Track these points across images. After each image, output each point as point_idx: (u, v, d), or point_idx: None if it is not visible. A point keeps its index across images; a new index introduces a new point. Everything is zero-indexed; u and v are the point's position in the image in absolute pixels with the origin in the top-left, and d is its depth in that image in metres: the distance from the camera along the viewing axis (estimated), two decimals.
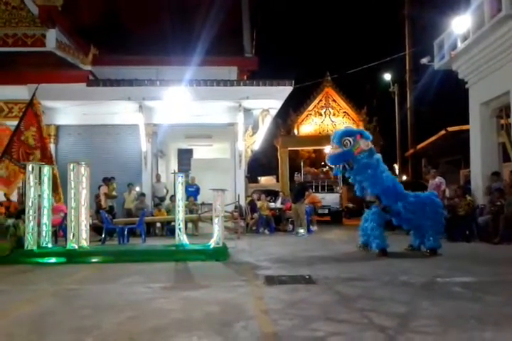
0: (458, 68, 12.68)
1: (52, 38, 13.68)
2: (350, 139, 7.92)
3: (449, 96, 19.92)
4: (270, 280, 5.74)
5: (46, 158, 10.37)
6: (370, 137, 8.29)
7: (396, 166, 28.70)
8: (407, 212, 7.98)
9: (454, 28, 12.50)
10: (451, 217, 9.84)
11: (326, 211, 16.77)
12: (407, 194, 8.23)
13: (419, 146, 22.04)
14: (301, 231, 12.22)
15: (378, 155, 8.32)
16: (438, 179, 11.67)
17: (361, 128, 21.38)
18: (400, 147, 26.05)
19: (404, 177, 25.11)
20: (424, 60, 15.24)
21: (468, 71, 12.32)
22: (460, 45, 12.13)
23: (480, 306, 4.43)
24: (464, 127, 14.25)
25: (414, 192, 8.49)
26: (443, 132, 17.46)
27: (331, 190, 18.43)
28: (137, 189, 13.54)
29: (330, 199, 16.99)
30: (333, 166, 8.48)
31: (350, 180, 8.66)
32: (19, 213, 8.30)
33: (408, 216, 8.04)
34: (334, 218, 17.17)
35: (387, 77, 26.98)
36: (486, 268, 6.68)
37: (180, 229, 8.12)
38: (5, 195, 11.13)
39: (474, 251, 8.63)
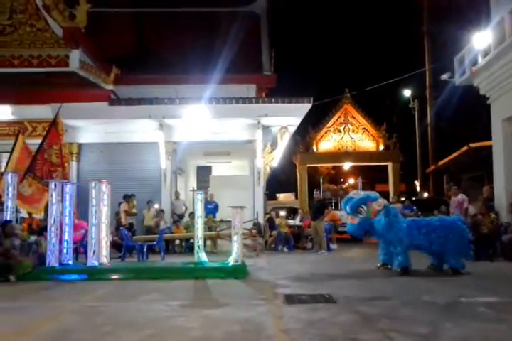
0: (479, 84, 12.59)
1: (75, 58, 14.02)
2: (364, 206, 8.25)
3: (471, 112, 19.74)
4: (290, 299, 5.69)
5: (64, 177, 10.55)
6: (378, 197, 8.50)
7: (417, 183, 28.42)
8: (435, 243, 7.94)
9: (474, 43, 12.45)
10: (475, 236, 9.66)
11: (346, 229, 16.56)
12: (430, 222, 8.20)
13: (441, 162, 21.78)
14: (322, 250, 12.12)
15: (395, 209, 8.48)
16: (460, 196, 11.49)
17: (380, 145, 21.33)
18: (420, 163, 25.82)
19: (426, 194, 24.79)
20: (444, 76, 15.17)
21: (489, 87, 12.22)
22: (481, 61, 12.06)
23: (505, 327, 4.32)
24: (487, 143, 14.06)
25: (439, 216, 8.45)
26: (465, 148, 17.24)
27: None
28: (156, 206, 13.62)
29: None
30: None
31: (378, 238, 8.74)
32: (41, 230, 8.42)
33: (436, 247, 7.98)
34: (354, 236, 16.94)
35: (407, 93, 26.93)
36: (511, 288, 6.52)
37: (199, 246, 8.13)
38: (28, 212, 11.31)
39: (498, 271, 8.43)
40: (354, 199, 8.51)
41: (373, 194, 8.59)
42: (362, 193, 8.85)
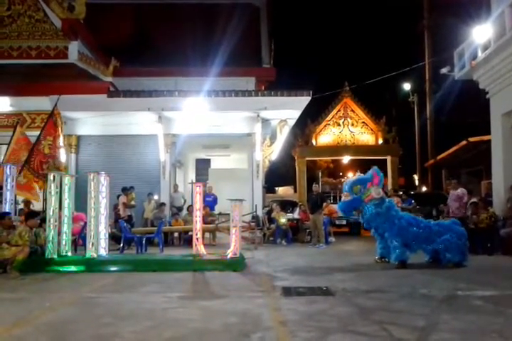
0: (478, 78, 12.56)
1: (74, 50, 13.98)
2: (361, 187, 8.21)
3: (470, 106, 19.71)
4: (288, 292, 5.71)
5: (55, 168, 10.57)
6: (381, 184, 8.43)
7: (416, 177, 28.46)
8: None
9: (474, 37, 12.41)
10: (473, 230, 9.69)
11: (344, 222, 16.61)
12: (428, 225, 8.20)
13: (440, 157, 21.79)
14: (320, 243, 12.14)
15: (390, 202, 8.44)
16: (460, 190, 11.36)
17: (380, 138, 21.29)
18: (419, 157, 25.83)
19: (424, 189, 24.83)
20: (444, 70, 15.12)
21: (489, 81, 12.19)
22: (481, 55, 12.02)
23: (502, 320, 4.34)
24: (485, 138, 14.06)
25: (437, 221, 8.51)
26: (464, 142, 17.23)
27: None
28: (155, 197, 13.61)
29: None
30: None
31: (365, 226, 8.82)
32: (40, 221, 8.41)
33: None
34: (352, 229, 17.00)
35: (407, 86, 26.88)
36: (508, 281, 6.55)
37: (197, 239, 8.14)
38: (25, 204, 11.35)
39: (496, 264, 8.47)
40: (355, 177, 8.66)
41: (379, 178, 8.46)
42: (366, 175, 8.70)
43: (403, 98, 27.57)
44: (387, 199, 8.49)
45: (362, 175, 8.87)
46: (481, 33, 12.10)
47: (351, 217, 16.74)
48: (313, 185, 13.94)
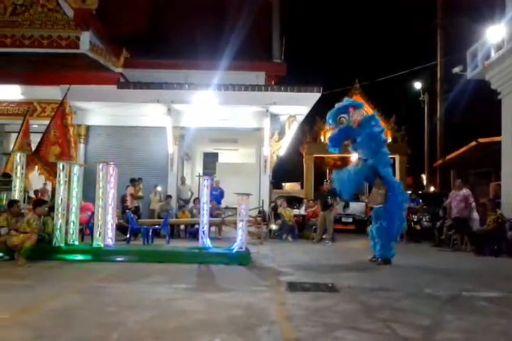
0: (491, 78, 12.47)
1: (85, 40, 14.01)
2: (345, 116, 7.85)
3: (481, 106, 19.56)
4: (293, 287, 5.72)
5: (65, 156, 10.60)
6: (363, 105, 8.27)
7: (424, 176, 28.33)
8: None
9: (488, 37, 12.31)
10: (480, 231, 9.65)
11: (351, 220, 16.59)
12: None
13: (448, 157, 21.64)
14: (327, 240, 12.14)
15: (376, 119, 8.24)
16: (466, 191, 11.33)
17: (388, 137, 21.20)
18: (428, 157, 25.68)
19: (432, 189, 24.72)
20: (456, 69, 15.05)
21: (501, 81, 12.10)
22: (494, 55, 11.94)
23: (506, 321, 4.33)
24: (496, 139, 13.94)
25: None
26: (473, 143, 17.10)
27: (356, 199, 18.16)
28: (159, 189, 13.58)
29: (355, 207, 16.80)
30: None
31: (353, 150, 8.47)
32: (48, 210, 8.46)
33: None
34: (359, 227, 16.99)
35: (418, 85, 26.67)
36: None
37: (204, 231, 8.17)
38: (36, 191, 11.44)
39: (502, 266, 8.44)
40: (335, 107, 8.19)
41: (357, 102, 8.27)
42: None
43: (414, 97, 27.39)
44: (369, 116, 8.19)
45: (339, 103, 8.37)
46: (494, 33, 12.02)
47: (357, 215, 16.81)
48: (325, 183, 13.91)
